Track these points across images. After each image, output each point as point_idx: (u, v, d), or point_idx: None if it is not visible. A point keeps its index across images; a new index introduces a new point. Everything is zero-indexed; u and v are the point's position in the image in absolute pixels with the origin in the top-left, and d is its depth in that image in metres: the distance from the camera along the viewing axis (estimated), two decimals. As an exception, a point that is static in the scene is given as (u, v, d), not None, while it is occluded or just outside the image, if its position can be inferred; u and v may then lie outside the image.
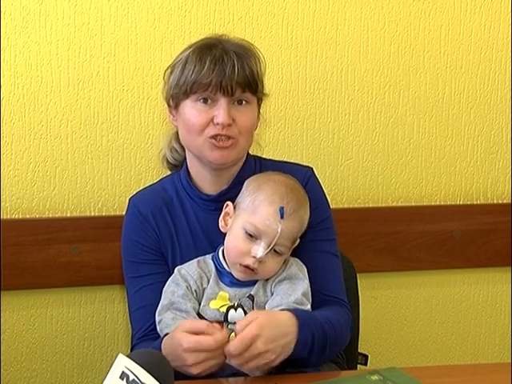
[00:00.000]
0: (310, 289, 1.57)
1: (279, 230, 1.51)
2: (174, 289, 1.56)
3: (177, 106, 1.64)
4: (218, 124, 1.57)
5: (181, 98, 1.62)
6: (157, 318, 1.56)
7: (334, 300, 1.64)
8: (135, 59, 2.02)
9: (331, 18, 2.11)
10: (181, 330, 1.42)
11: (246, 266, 1.53)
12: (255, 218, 1.53)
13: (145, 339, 1.61)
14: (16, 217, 2.02)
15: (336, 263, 1.69)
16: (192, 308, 1.54)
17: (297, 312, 1.48)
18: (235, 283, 1.56)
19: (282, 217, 1.51)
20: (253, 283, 1.56)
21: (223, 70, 1.56)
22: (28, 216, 2.03)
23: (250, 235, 1.53)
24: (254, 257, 1.51)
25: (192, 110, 1.60)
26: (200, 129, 1.59)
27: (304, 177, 1.69)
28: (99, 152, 2.04)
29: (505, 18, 2.19)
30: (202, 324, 1.43)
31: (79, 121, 2.02)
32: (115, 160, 2.06)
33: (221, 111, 1.57)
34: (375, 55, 2.15)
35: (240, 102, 1.60)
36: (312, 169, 1.73)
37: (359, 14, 2.12)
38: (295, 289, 1.55)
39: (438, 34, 2.17)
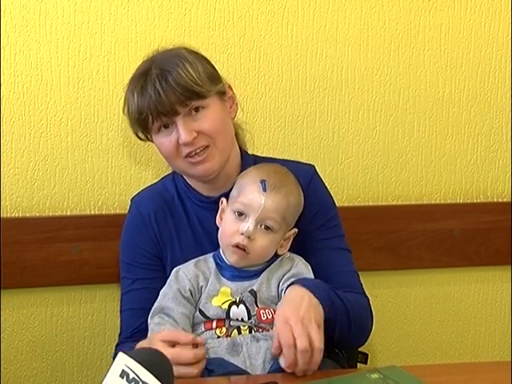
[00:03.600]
0: None
1: (262, 202, 1.53)
2: (166, 291, 1.58)
3: (149, 138, 1.65)
4: (182, 144, 1.57)
5: (145, 133, 1.63)
6: (149, 320, 1.56)
7: (353, 292, 1.64)
8: (135, 58, 2.01)
9: (331, 17, 2.11)
10: (158, 338, 1.42)
11: (237, 246, 1.53)
12: (241, 197, 1.56)
13: (129, 341, 1.62)
14: (16, 215, 2.02)
15: (348, 257, 1.70)
16: (181, 313, 1.53)
17: (298, 281, 1.50)
18: (236, 276, 1.57)
19: (264, 189, 1.54)
20: (254, 275, 1.57)
21: (150, 98, 1.55)
22: (28, 214, 2.03)
23: (239, 214, 1.55)
24: (243, 234, 1.53)
25: (159, 139, 1.61)
26: (173, 154, 1.60)
27: (306, 175, 1.69)
28: (99, 150, 2.04)
29: (505, 17, 2.19)
30: (179, 335, 1.43)
31: (79, 119, 2.02)
32: (115, 159, 2.06)
33: (179, 132, 1.56)
34: (375, 54, 2.15)
35: (196, 110, 1.58)
36: (314, 167, 1.73)
37: (359, 12, 2.12)
38: None
39: (438, 32, 2.17)
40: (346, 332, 1.54)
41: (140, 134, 1.65)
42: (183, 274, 1.58)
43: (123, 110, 1.64)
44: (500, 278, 2.32)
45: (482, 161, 2.26)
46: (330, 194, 1.74)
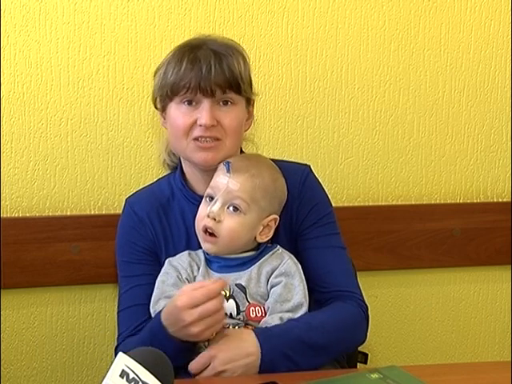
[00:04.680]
0: (305, 284, 1.57)
1: (226, 182, 1.54)
2: (163, 278, 1.58)
3: (164, 109, 1.65)
4: (201, 125, 1.58)
5: (166, 101, 1.63)
6: (151, 311, 1.56)
7: (345, 294, 1.63)
8: (135, 57, 2.02)
9: (331, 17, 2.11)
10: (181, 292, 1.44)
11: (205, 230, 1.54)
12: (211, 181, 1.58)
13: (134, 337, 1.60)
14: (16, 215, 2.02)
15: (343, 255, 1.69)
16: None
17: (259, 332, 1.48)
18: (222, 266, 1.57)
19: (227, 170, 1.55)
20: (240, 264, 1.57)
21: (200, 71, 1.56)
22: (28, 214, 2.03)
23: (210, 199, 1.56)
24: (209, 215, 1.53)
25: (176, 112, 1.61)
26: (184, 131, 1.60)
27: (302, 175, 1.69)
28: (99, 150, 2.04)
29: (505, 17, 2.19)
30: (198, 283, 1.46)
31: (79, 119, 2.02)
32: (115, 158, 2.06)
33: (203, 113, 1.57)
34: (375, 54, 2.15)
35: (225, 103, 1.60)
36: (309, 166, 1.73)
37: (359, 12, 2.12)
38: (293, 294, 1.54)
39: (438, 32, 2.17)
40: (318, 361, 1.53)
41: (158, 102, 1.66)
42: (178, 264, 1.59)
43: (155, 72, 1.65)
44: (500, 277, 2.32)
45: (482, 161, 2.26)
46: (326, 193, 1.73)
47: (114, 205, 2.06)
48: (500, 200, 2.28)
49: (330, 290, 1.62)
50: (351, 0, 2.11)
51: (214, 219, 1.53)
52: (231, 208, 1.54)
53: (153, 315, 1.55)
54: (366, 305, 1.66)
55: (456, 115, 2.23)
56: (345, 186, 2.19)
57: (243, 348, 1.46)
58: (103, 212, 2.06)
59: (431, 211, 2.23)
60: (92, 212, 2.06)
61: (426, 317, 2.31)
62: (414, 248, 2.22)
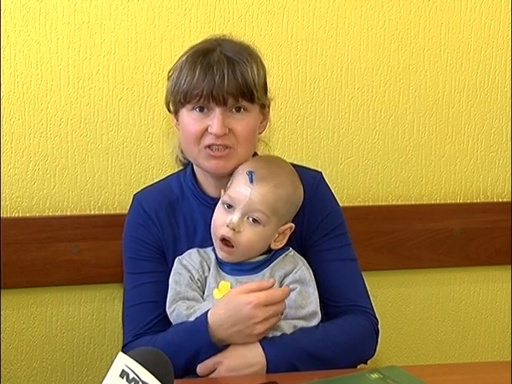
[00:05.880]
0: (317, 292, 1.57)
1: (248, 194, 1.52)
2: (176, 279, 1.57)
3: (176, 113, 1.64)
4: (212, 134, 1.56)
5: (178, 106, 1.62)
6: (168, 311, 1.56)
7: (356, 309, 1.63)
8: (135, 58, 2.02)
9: (331, 17, 2.11)
10: (240, 291, 1.46)
11: (223, 239, 1.53)
12: (229, 190, 1.56)
13: (143, 336, 1.59)
14: (16, 215, 2.02)
15: (354, 268, 1.68)
16: (199, 296, 1.55)
17: (267, 343, 1.49)
18: (235, 269, 1.56)
19: (251, 181, 1.53)
20: (253, 268, 1.56)
21: (213, 80, 1.54)
22: (28, 214, 2.03)
23: (228, 207, 1.54)
24: (228, 226, 1.52)
25: (188, 118, 1.59)
26: (195, 138, 1.58)
27: (313, 182, 1.67)
28: (99, 150, 2.04)
29: (505, 17, 2.19)
30: (255, 284, 1.49)
31: (79, 119, 2.02)
32: (115, 158, 2.06)
33: (215, 121, 1.55)
34: (375, 54, 2.15)
35: (238, 110, 1.58)
36: (321, 173, 1.71)
37: (359, 12, 2.12)
38: (308, 302, 1.54)
39: (438, 32, 2.17)
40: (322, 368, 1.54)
41: (171, 105, 1.64)
42: (189, 264, 1.58)
43: (169, 75, 1.63)
44: (500, 277, 2.32)
45: (482, 161, 2.26)
46: (337, 201, 1.71)
47: (114, 205, 2.06)
48: (500, 200, 2.28)
49: (341, 305, 1.62)
50: (351, 0, 2.11)
51: (233, 229, 1.52)
52: (251, 219, 1.53)
53: (170, 316, 1.56)
54: (376, 319, 1.66)
55: (456, 115, 2.23)
56: (345, 185, 2.19)
57: (248, 358, 1.48)
58: (103, 212, 2.06)
59: (431, 211, 2.23)
60: (92, 212, 2.06)
61: (426, 317, 2.31)
62: (414, 248, 2.22)
